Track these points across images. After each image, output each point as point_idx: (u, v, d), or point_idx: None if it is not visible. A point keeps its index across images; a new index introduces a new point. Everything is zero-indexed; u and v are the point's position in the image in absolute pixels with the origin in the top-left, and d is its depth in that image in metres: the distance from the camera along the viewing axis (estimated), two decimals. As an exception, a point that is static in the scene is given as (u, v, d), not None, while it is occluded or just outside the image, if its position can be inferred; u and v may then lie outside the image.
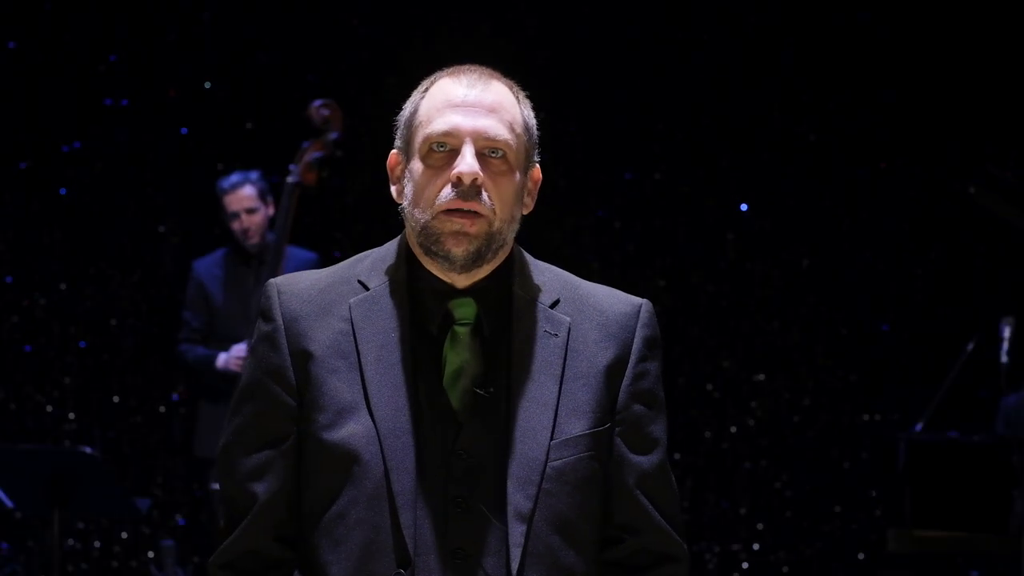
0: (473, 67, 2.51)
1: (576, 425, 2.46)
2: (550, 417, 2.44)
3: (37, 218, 7.90)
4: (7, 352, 7.90)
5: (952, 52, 7.99)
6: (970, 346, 6.84)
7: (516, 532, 2.40)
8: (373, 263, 2.54)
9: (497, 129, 2.45)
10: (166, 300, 7.81)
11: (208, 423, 6.76)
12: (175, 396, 7.92)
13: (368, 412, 2.43)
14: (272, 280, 2.53)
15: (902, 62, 8.03)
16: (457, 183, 2.42)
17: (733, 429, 8.11)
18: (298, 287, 2.52)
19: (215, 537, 6.38)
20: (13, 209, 7.89)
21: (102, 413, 7.92)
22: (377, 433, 2.42)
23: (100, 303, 7.94)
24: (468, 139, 2.44)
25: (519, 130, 2.48)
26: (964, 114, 7.98)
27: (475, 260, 2.45)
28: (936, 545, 6.37)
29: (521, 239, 2.53)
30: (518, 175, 2.48)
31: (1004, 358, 6.66)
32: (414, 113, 2.49)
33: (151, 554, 7.83)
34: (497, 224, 2.44)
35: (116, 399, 7.93)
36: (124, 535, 7.89)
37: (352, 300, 2.49)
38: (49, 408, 7.90)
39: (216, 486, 6.00)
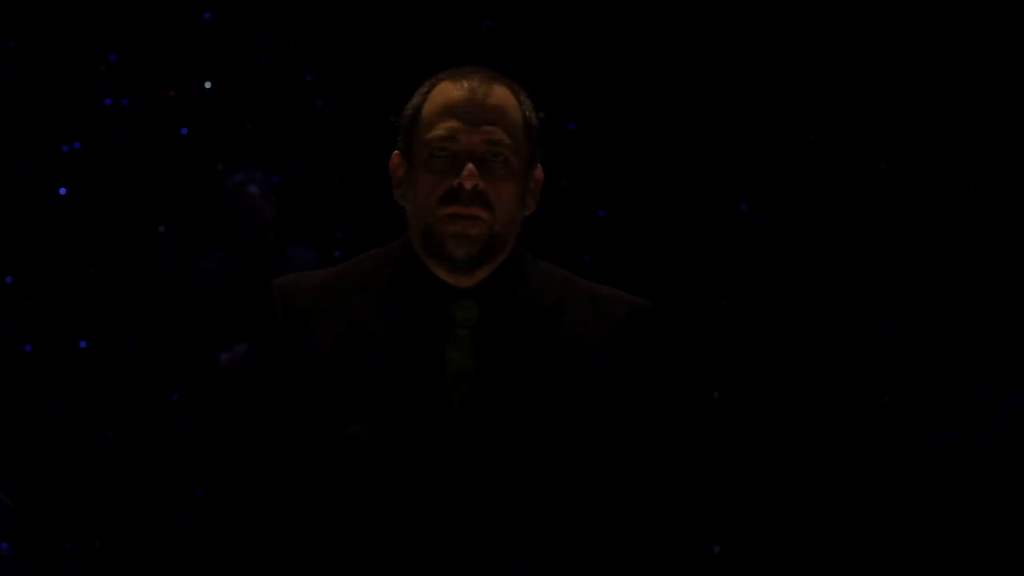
0: (475, 69, 2.51)
1: (577, 425, 2.46)
2: (550, 418, 2.45)
3: (37, 218, 7.90)
4: (7, 352, 7.89)
5: (952, 52, 7.99)
6: (972, 347, 6.85)
7: (515, 532, 2.41)
8: (376, 263, 2.54)
9: (498, 135, 2.45)
10: (166, 300, 7.81)
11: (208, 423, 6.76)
12: (175, 396, 7.92)
13: (368, 412, 2.43)
14: (274, 280, 2.54)
15: (902, 61, 8.03)
16: (458, 189, 2.43)
17: (733, 429, 8.11)
18: (300, 287, 2.52)
19: (213, 537, 6.38)
20: (13, 209, 7.89)
21: (102, 413, 7.92)
22: (377, 434, 2.43)
23: (100, 303, 7.94)
24: (469, 145, 2.44)
25: (521, 134, 2.48)
26: (964, 114, 7.98)
27: (477, 263, 2.46)
28: (936, 544, 6.38)
29: (521, 239, 2.54)
30: (519, 178, 2.49)
31: (1003, 358, 6.68)
32: (415, 116, 2.49)
33: None
34: (498, 228, 2.45)
35: (116, 399, 7.93)
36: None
37: (354, 300, 2.50)
38: (49, 408, 7.90)
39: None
